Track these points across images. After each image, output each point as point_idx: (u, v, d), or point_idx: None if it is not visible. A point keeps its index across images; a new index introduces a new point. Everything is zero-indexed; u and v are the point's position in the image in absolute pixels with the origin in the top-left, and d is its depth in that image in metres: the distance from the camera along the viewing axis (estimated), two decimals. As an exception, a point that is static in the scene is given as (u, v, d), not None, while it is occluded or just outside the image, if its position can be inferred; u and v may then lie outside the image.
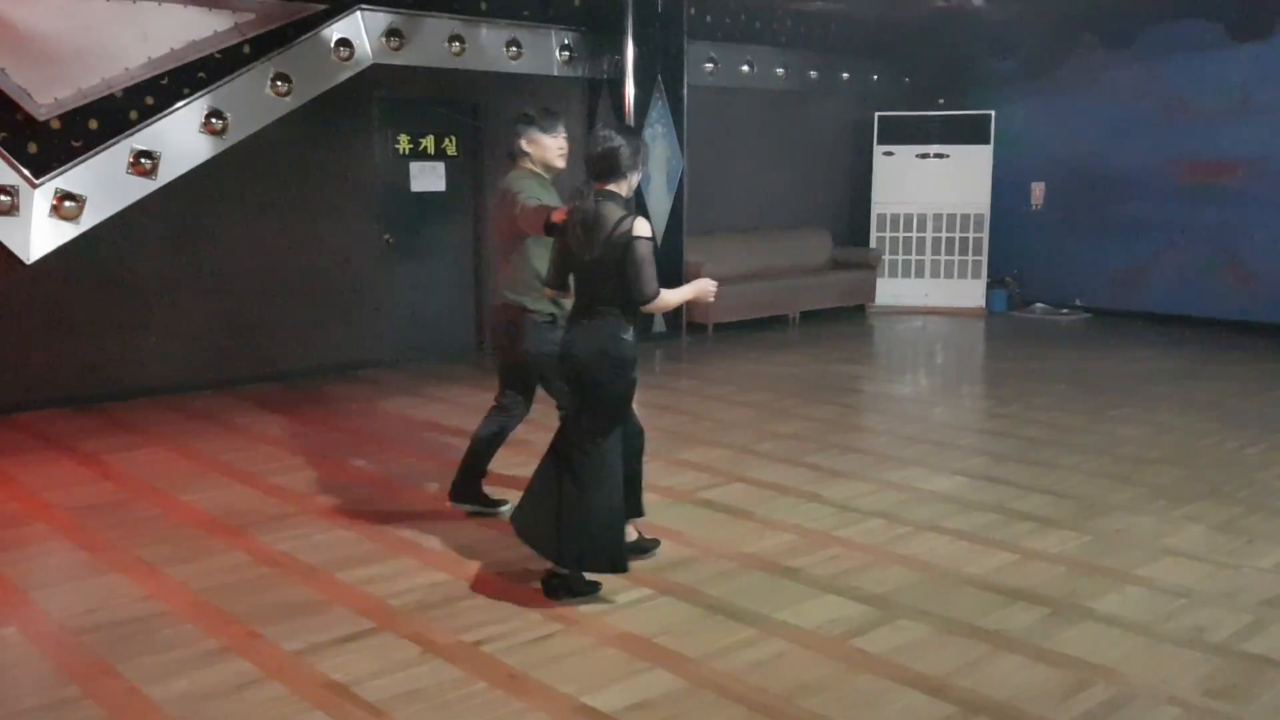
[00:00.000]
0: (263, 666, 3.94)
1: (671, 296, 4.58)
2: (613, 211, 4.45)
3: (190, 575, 4.83)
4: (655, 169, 10.87)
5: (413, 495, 6.05)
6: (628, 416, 4.74)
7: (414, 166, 9.82)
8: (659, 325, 10.99)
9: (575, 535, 4.46)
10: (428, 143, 9.88)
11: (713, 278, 4.96)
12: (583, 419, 4.56)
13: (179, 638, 4.20)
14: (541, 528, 4.55)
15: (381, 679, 3.83)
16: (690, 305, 4.89)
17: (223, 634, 4.23)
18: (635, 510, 4.95)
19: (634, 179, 4.64)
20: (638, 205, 10.59)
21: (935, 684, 3.79)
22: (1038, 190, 13.32)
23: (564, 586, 4.56)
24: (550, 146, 5.31)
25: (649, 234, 4.43)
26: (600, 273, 4.46)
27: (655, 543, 5.10)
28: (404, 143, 9.73)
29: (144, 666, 3.95)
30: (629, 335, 4.51)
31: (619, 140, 4.54)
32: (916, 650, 4.06)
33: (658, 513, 5.67)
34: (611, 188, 4.55)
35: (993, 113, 12.92)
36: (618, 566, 4.52)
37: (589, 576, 4.59)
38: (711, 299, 4.78)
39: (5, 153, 7.65)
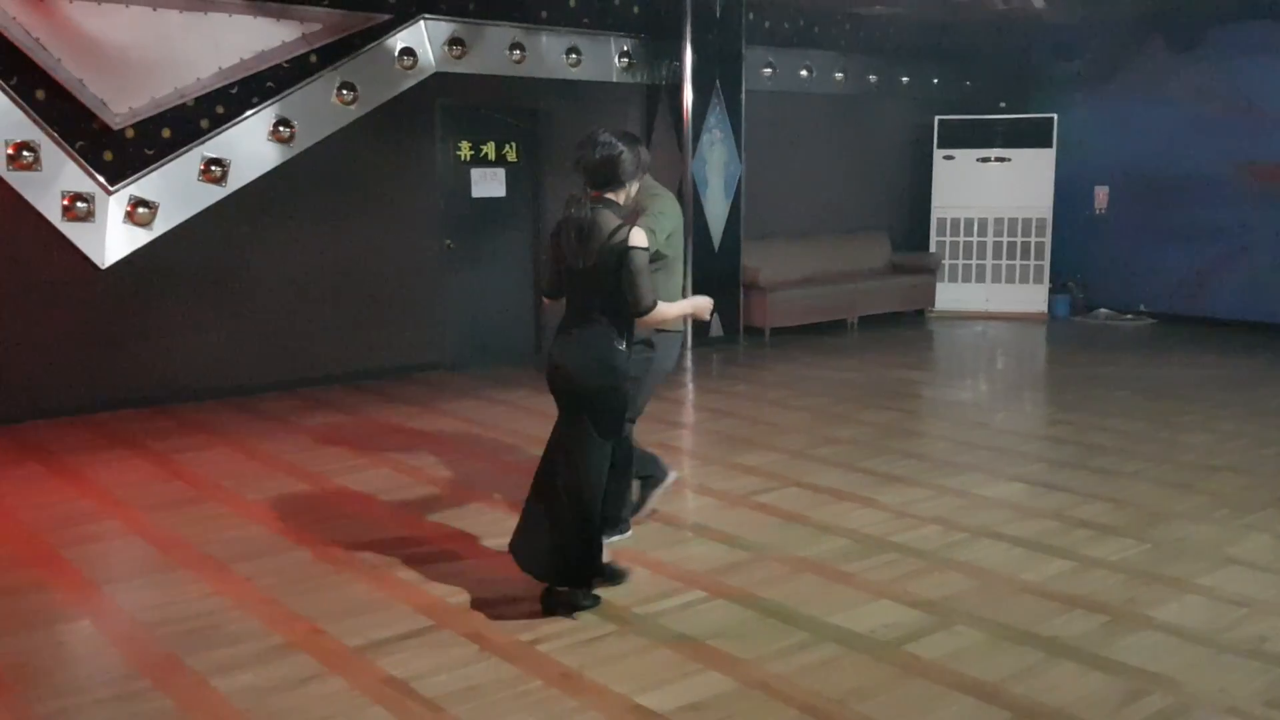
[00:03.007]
0: (325, 662, 4.04)
1: (668, 311, 4.50)
2: (608, 220, 4.33)
3: (256, 572, 4.96)
4: (713, 174, 10.90)
5: (472, 496, 6.13)
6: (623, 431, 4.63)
7: (475, 173, 9.94)
8: (715, 330, 10.99)
9: (566, 551, 4.41)
10: (489, 149, 9.99)
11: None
12: (574, 432, 4.45)
13: (245, 633, 4.32)
14: (535, 551, 4.48)
15: (439, 676, 3.91)
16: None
17: (287, 630, 4.34)
18: (619, 526, 4.81)
19: (633, 188, 4.55)
20: (695, 211, 10.64)
21: (989, 690, 3.78)
22: (1101, 194, 13.13)
23: (562, 603, 4.47)
24: None
25: (645, 244, 4.32)
26: (593, 282, 4.34)
27: (624, 574, 4.77)
28: (465, 149, 9.85)
29: (211, 660, 4.06)
30: (621, 346, 4.40)
31: (620, 147, 4.40)
32: (970, 656, 4.06)
33: (713, 516, 5.73)
34: (609, 196, 4.43)
35: (1055, 116, 12.76)
36: (593, 577, 4.49)
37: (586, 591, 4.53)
38: (708, 317, 4.78)
39: (83, 161, 7.88)
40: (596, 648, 4.16)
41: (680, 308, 4.66)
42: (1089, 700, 3.71)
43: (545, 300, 4.77)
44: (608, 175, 4.40)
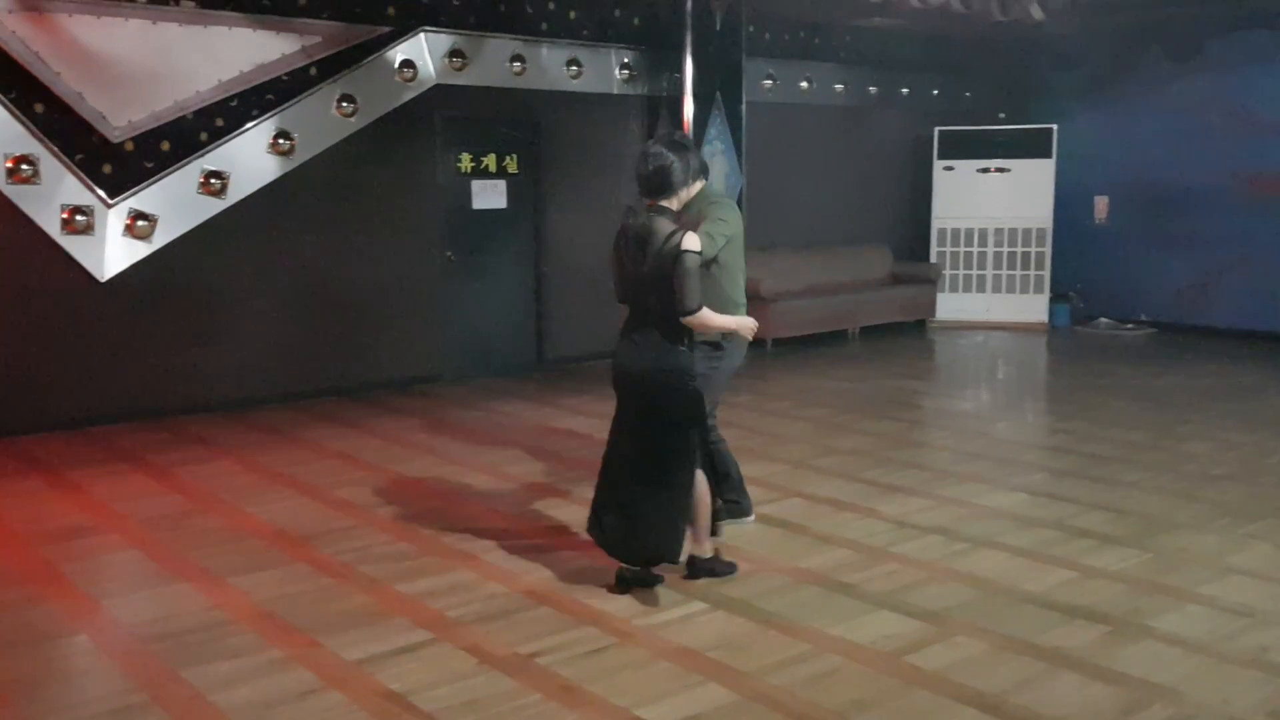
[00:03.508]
0: (323, 676, 4.03)
1: (712, 319, 4.66)
2: (663, 226, 4.54)
3: (254, 585, 4.95)
4: (714, 185, 10.88)
5: (472, 508, 6.12)
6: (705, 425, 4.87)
7: (475, 184, 9.94)
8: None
9: (643, 537, 4.69)
10: (489, 161, 10.00)
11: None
12: (648, 429, 4.65)
13: (243, 646, 4.30)
14: (611, 535, 4.77)
15: (438, 689, 3.89)
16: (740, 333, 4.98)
17: (285, 643, 4.32)
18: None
19: (685, 194, 4.77)
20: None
21: (990, 701, 3.76)
22: (1101, 204, 13.14)
23: (636, 580, 4.79)
24: None
25: (698, 248, 4.52)
26: (651, 287, 4.55)
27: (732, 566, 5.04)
28: (466, 161, 9.86)
29: (209, 674, 4.04)
30: (682, 346, 4.62)
31: (670, 157, 4.64)
32: (972, 667, 4.04)
33: (713, 527, 5.70)
34: (663, 203, 4.66)
35: (1055, 126, 12.78)
36: (661, 561, 4.77)
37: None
38: (750, 338, 4.97)
39: (82, 174, 7.89)
40: (596, 660, 4.14)
41: (725, 321, 4.80)
42: (1090, 711, 3.70)
43: (622, 305, 4.91)
44: (660, 184, 4.64)
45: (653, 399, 4.64)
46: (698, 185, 5.06)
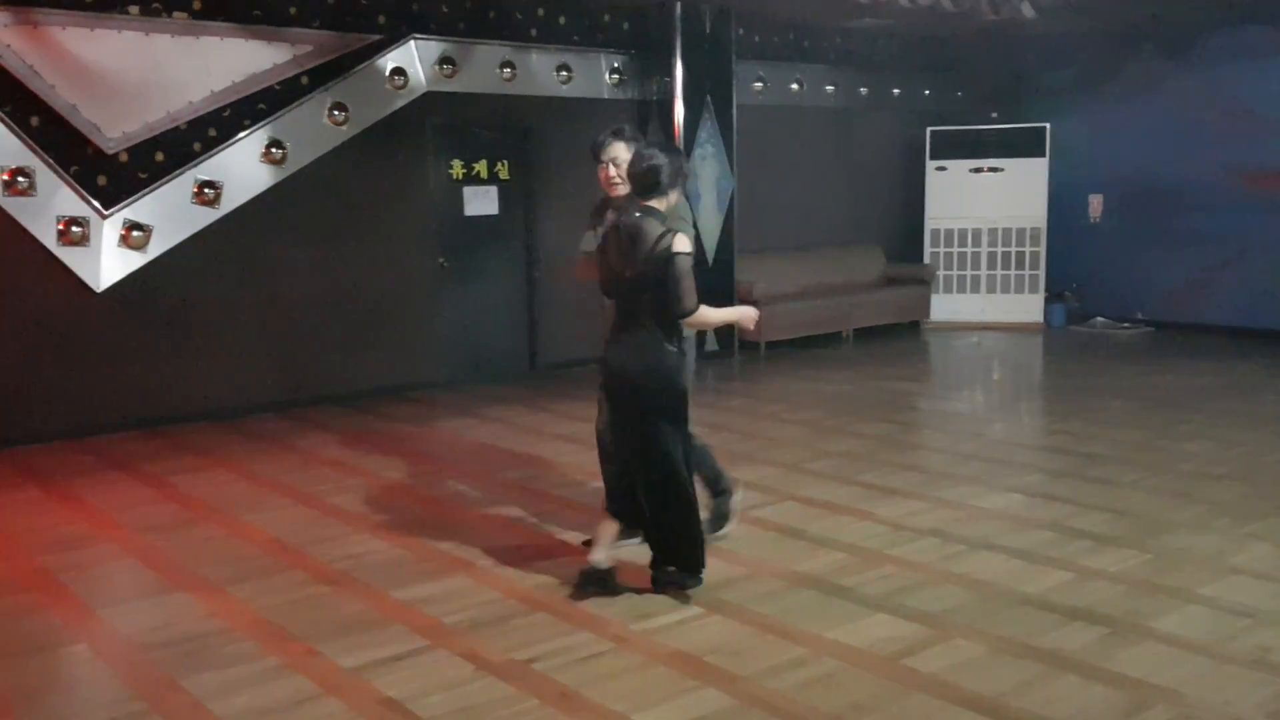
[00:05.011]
0: (320, 683, 4.02)
1: (711, 315, 4.77)
2: (654, 227, 4.57)
3: (251, 594, 4.94)
4: (705, 188, 10.89)
5: (467, 515, 6.12)
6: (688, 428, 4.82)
7: (467, 191, 9.93)
8: (711, 344, 10.99)
9: (678, 536, 4.74)
10: (480, 167, 9.99)
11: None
12: (648, 430, 4.65)
13: (240, 655, 4.29)
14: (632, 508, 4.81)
15: (435, 696, 3.89)
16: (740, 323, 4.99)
17: (282, 651, 4.31)
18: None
19: (674, 195, 4.78)
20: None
21: (989, 704, 3.75)
22: (1096, 202, 13.15)
23: (671, 581, 4.78)
24: (600, 176, 5.22)
25: (689, 249, 4.56)
26: (641, 287, 4.59)
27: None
28: (457, 168, 9.85)
29: (207, 682, 4.04)
30: (671, 347, 4.63)
31: (661, 158, 4.68)
32: (970, 670, 4.03)
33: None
34: (653, 203, 4.68)
35: (1048, 125, 12.79)
36: (701, 559, 4.79)
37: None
38: (751, 328, 4.96)
39: (77, 185, 7.88)
40: (593, 665, 4.13)
41: (724, 314, 4.96)
42: (1090, 713, 3.69)
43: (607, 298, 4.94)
44: (650, 184, 4.67)
45: (644, 399, 4.65)
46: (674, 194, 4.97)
